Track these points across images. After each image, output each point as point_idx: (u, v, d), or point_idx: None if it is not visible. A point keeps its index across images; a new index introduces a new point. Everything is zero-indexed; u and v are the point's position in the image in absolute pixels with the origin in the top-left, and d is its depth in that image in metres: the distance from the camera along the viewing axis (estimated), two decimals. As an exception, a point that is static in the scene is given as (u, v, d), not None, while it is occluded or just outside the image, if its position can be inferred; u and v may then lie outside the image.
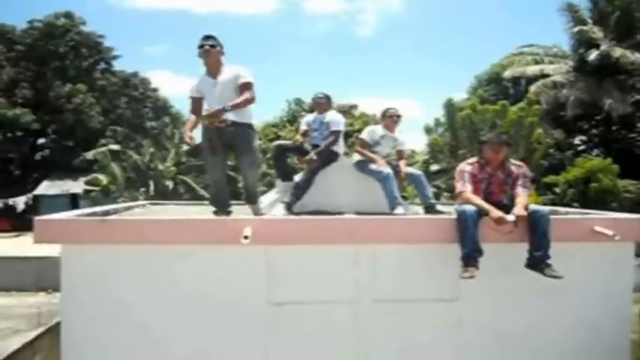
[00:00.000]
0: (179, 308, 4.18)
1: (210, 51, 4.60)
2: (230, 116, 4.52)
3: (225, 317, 4.20)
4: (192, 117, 4.81)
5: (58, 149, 31.86)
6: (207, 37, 4.63)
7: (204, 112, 4.61)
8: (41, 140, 33.36)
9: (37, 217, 4.15)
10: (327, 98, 5.84)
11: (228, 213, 4.84)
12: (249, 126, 4.79)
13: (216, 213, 4.81)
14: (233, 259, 4.20)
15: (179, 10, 69.34)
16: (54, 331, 8.21)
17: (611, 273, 4.46)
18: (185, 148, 24.04)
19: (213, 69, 4.67)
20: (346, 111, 29.26)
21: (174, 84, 60.48)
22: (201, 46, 4.59)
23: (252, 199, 4.97)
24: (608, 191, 16.67)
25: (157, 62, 64.81)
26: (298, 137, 5.84)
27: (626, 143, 24.26)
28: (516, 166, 4.50)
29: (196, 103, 4.76)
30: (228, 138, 4.63)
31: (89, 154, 23.31)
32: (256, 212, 4.83)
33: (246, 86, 4.59)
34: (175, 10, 68.27)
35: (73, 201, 27.11)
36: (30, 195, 29.95)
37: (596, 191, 16.58)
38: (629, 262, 4.59)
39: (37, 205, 27.89)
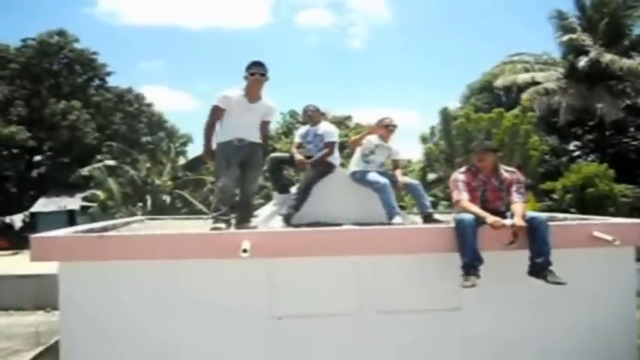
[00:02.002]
0: (180, 323, 4.15)
1: (261, 80, 4.87)
2: (250, 137, 4.89)
3: (226, 332, 4.18)
4: (211, 129, 4.89)
5: (54, 166, 31.77)
6: (260, 65, 4.86)
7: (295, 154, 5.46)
8: (37, 157, 33.29)
9: (33, 235, 4.12)
10: (318, 110, 5.87)
11: (228, 223, 4.81)
12: (262, 145, 5.14)
13: (216, 222, 4.76)
14: (233, 272, 4.18)
15: (171, 26, 69.51)
16: (53, 351, 8.12)
17: (613, 278, 4.46)
18: (182, 162, 24.06)
19: (253, 94, 4.89)
20: (341, 122, 29.36)
21: (169, 99, 60.57)
22: (252, 74, 4.81)
23: (246, 215, 5.03)
24: (605, 196, 16.69)
25: (151, 78, 64.83)
26: (295, 152, 5.78)
27: (620, 148, 24.40)
28: (509, 172, 4.52)
29: (220, 113, 4.86)
30: (243, 155, 4.87)
31: (85, 170, 23.17)
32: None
33: (267, 127, 5.19)
34: (168, 26, 68.41)
35: (71, 217, 26.97)
36: (27, 212, 29.78)
37: (593, 197, 16.60)
38: (630, 267, 4.59)
39: (34, 223, 27.74)
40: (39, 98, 31.43)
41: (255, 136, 4.97)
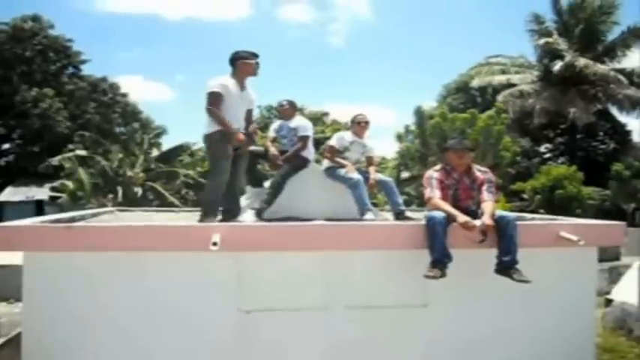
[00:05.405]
0: (147, 316, 4.10)
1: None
2: (242, 127, 4.94)
3: (194, 325, 4.14)
4: (222, 115, 4.73)
5: (23, 155, 30.98)
6: (257, 56, 4.92)
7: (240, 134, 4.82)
8: (5, 145, 32.42)
9: (-2, 224, 4.02)
10: (291, 104, 5.86)
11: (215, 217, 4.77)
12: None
13: (202, 219, 4.70)
14: (202, 265, 4.15)
15: (149, 15, 68.26)
16: (14, 342, 7.95)
17: (575, 277, 4.55)
18: (155, 154, 23.70)
19: (244, 82, 4.92)
20: (317, 118, 29.40)
21: (145, 89, 59.59)
22: (256, 70, 4.92)
23: (236, 210, 5.02)
24: (573, 198, 17.10)
25: (127, 67, 63.62)
26: (270, 146, 5.73)
27: (589, 151, 25.02)
28: (481, 171, 4.59)
29: (220, 101, 4.72)
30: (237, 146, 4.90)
31: (55, 160, 22.63)
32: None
33: (252, 114, 5.18)
34: (146, 15, 67.18)
35: (39, 208, 26.41)
36: (-8, 201, 29.04)
37: (561, 198, 16.98)
38: (592, 267, 4.71)
39: (1, 212, 27.08)
40: (10, 85, 30.56)
41: (242, 128, 4.96)
